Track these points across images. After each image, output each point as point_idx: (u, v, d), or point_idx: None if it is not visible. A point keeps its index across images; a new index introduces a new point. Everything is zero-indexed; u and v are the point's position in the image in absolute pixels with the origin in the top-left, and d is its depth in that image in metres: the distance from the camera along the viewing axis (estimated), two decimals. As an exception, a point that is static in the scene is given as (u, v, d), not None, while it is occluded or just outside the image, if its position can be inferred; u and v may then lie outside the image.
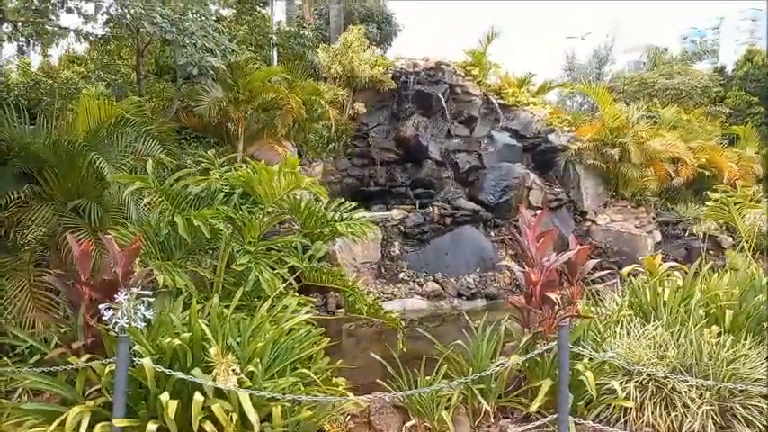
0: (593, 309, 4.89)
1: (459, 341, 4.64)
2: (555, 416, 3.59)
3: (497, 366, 3.91)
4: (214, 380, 3.24)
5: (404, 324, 7.39)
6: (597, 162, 12.34)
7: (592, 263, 4.41)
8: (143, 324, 3.37)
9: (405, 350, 5.52)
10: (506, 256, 10.45)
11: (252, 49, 12.02)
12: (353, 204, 6.23)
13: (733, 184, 13.46)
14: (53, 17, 7.86)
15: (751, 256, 5.95)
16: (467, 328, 5.46)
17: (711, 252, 13.46)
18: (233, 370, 3.17)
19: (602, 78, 23.96)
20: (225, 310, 4.01)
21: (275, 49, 12.57)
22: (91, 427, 3.19)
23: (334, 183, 11.72)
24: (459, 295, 9.22)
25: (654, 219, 12.90)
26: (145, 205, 4.91)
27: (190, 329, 3.70)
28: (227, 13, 12.64)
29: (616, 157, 12.07)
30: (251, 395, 3.28)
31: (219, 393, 3.34)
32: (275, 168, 5.30)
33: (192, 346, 3.56)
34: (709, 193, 6.92)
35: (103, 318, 3.32)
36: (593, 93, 13.27)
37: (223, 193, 5.24)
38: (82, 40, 9.34)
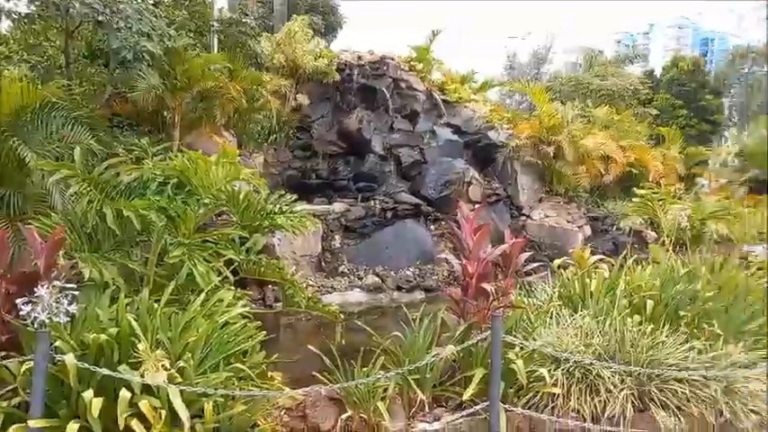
0: (525, 300, 5.06)
1: (396, 333, 4.69)
2: (487, 403, 3.70)
3: (433, 357, 3.98)
4: (142, 376, 3.14)
5: (343, 317, 7.44)
6: (533, 159, 12.78)
7: (525, 255, 4.57)
8: (66, 319, 3.21)
9: (343, 343, 5.54)
10: (446, 249, 10.65)
11: (191, 35, 11.62)
12: (294, 197, 6.18)
13: (658, 181, 14.28)
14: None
15: (672, 249, 6.33)
16: (405, 320, 5.59)
17: (637, 246, 14.17)
18: (162, 365, 3.08)
19: (540, 78, 24.75)
20: (156, 305, 3.88)
21: (216, 36, 12.21)
22: (4, 429, 3.02)
23: (276, 174, 11.55)
24: (399, 288, 9.31)
25: (585, 214, 13.49)
26: (72, 195, 4.66)
27: (117, 324, 3.56)
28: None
29: (551, 154, 12.53)
30: (181, 391, 3.19)
31: (148, 390, 3.23)
32: (213, 158, 5.18)
33: (120, 341, 3.43)
34: (635, 189, 7.28)
35: (21, 313, 3.14)
36: (531, 92, 13.70)
37: (156, 183, 5.07)
38: (3, 17, 8.75)
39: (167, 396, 3.16)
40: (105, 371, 3.15)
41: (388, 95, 12.46)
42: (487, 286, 3.96)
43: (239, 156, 10.80)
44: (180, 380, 3.32)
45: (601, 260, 5.59)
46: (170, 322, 3.71)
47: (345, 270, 9.54)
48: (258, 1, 20.36)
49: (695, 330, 4.41)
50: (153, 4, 11.18)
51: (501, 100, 23.88)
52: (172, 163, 5.05)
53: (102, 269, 4.27)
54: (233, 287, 4.90)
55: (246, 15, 12.19)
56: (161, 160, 5.52)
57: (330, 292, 8.95)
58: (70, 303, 3.23)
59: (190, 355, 3.49)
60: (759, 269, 5.45)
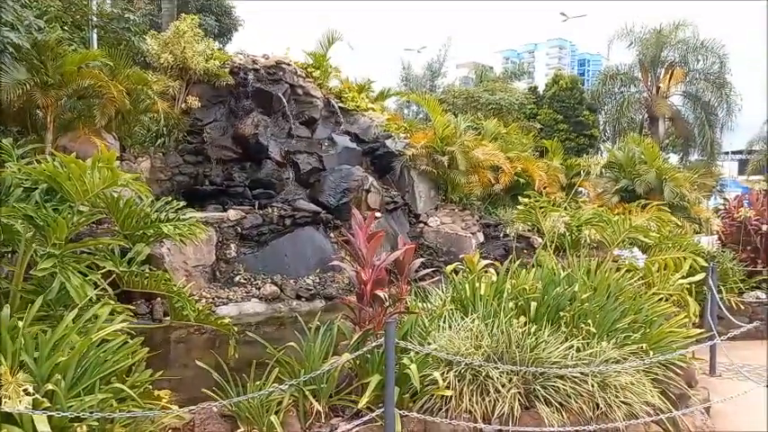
0: (420, 304, 5.16)
1: (292, 343, 4.58)
2: (382, 410, 3.70)
3: (329, 366, 3.92)
4: (0, 403, 2.79)
5: (239, 329, 7.17)
6: (429, 168, 13.18)
7: (418, 261, 4.66)
8: None
9: (237, 356, 5.34)
10: (346, 256, 10.63)
11: (66, 29, 10.73)
12: (181, 204, 5.85)
13: (542, 190, 15.27)
14: None
15: (554, 253, 6.76)
16: (303, 330, 5.48)
17: (526, 251, 15.09)
18: (25, 390, 2.75)
19: (434, 90, 25.67)
20: (19, 323, 3.48)
21: (95, 31, 11.37)
22: None
23: (165, 180, 10.94)
24: (299, 297, 9.15)
25: (478, 221, 14.11)
26: None
27: (-28, 347, 3.15)
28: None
29: (445, 163, 12.98)
30: (50, 417, 2.88)
31: (10, 418, 2.88)
32: (88, 162, 4.78)
33: (-26, 366, 3.03)
34: (520, 198, 7.70)
35: None
36: (426, 103, 14.14)
37: (21, 189, 4.59)
38: None
39: (32, 423, 2.84)
40: (-46, 401, 2.77)
41: (284, 101, 12.29)
42: (381, 293, 3.98)
43: (122, 160, 10.16)
44: (48, 404, 3.00)
45: (490, 264, 5.83)
46: (36, 342, 3.34)
47: (242, 280, 9.21)
48: (147, -2, 19.31)
49: (574, 329, 4.71)
50: None
51: (398, 110, 24.45)
52: (40, 167, 4.59)
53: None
54: (113, 301, 4.53)
55: (130, 11, 11.49)
56: (28, 163, 5.00)
57: (226, 303, 8.60)
58: None
59: (60, 376, 3.16)
60: (628, 271, 5.96)
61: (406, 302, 4.59)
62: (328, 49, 14.45)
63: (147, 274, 4.91)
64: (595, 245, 7.27)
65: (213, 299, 8.55)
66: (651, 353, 4.68)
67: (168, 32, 11.54)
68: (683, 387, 4.75)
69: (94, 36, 11.52)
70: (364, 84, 15.27)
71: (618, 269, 5.96)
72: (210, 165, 11.51)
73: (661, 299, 5.71)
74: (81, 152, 8.04)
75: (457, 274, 5.79)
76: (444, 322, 4.66)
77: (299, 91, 12.96)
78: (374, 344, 3.94)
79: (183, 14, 12.39)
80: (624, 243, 6.84)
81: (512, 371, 4.11)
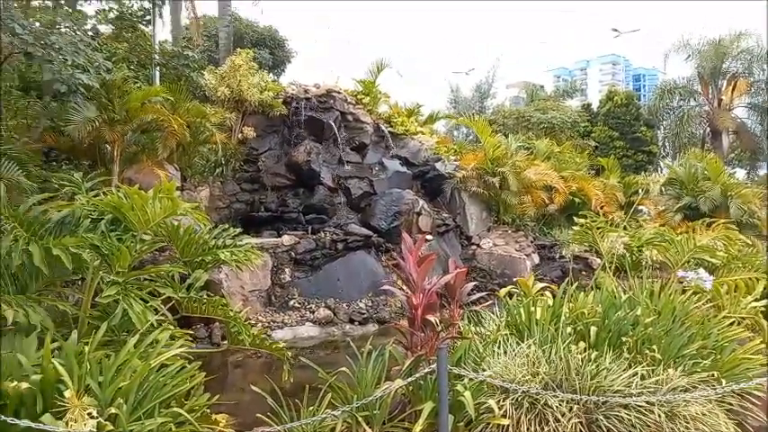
0: (473, 329, 5.06)
1: (344, 368, 4.58)
2: (436, 438, 3.63)
3: (381, 392, 3.89)
4: (67, 425, 2.91)
5: (294, 353, 7.23)
6: (480, 189, 13.05)
7: (470, 285, 4.58)
8: (-22, 368, 2.95)
9: (291, 381, 5.39)
10: (398, 280, 10.61)
11: (133, 68, 11.40)
12: (237, 230, 6.03)
13: (599, 210, 14.80)
14: None
15: (614, 275, 6.50)
16: (356, 354, 5.46)
17: (584, 273, 14.61)
18: (89, 414, 2.86)
19: (484, 111, 25.54)
20: (86, 348, 3.64)
21: (157, 68, 12.02)
22: None
23: (223, 208, 11.32)
24: (351, 321, 9.16)
25: (532, 242, 13.79)
26: (-7, 233, 4.37)
27: (42, 371, 3.31)
28: (105, 29, 11.90)
29: (497, 184, 12.82)
30: (112, 440, 2.98)
31: (76, 441, 3.00)
32: (150, 193, 5.00)
33: (44, 389, 3.19)
34: (575, 218, 7.49)
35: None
36: (475, 124, 14.07)
37: (89, 220, 4.85)
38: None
39: (96, 447, 2.94)
40: (27, 422, 2.91)
41: (335, 128, 12.53)
42: (432, 318, 3.93)
43: (182, 189, 10.59)
44: (111, 428, 3.11)
45: (546, 288, 5.67)
46: (101, 366, 3.48)
47: (296, 304, 9.33)
48: (204, 34, 20.31)
49: (637, 356, 4.50)
50: (92, 37, 10.94)
51: (448, 132, 24.44)
52: (106, 198, 4.84)
53: (30, 311, 4.00)
54: (173, 326, 4.68)
55: (189, 48, 12.09)
56: (95, 195, 5.29)
57: (281, 327, 8.71)
58: (-14, 351, 2.98)
59: (122, 400, 3.28)
60: (694, 293, 5.65)
61: (459, 327, 4.51)
62: (377, 76, 14.69)
63: (205, 300, 5.05)
64: (658, 266, 6.95)
65: (269, 323, 8.68)
66: (724, 381, 4.40)
67: (224, 67, 12.05)
68: (762, 419, 4.42)
69: (157, 73, 12.18)
70: (413, 108, 15.40)
71: (683, 291, 5.67)
72: (266, 192, 11.83)
73: (732, 323, 5.37)
74: (144, 183, 8.47)
75: (511, 298, 5.66)
76: (499, 348, 4.55)
77: (350, 117, 13.20)
78: (426, 370, 3.88)
79: (239, 49, 12.93)
80: (689, 264, 6.50)
81: (572, 399, 3.94)
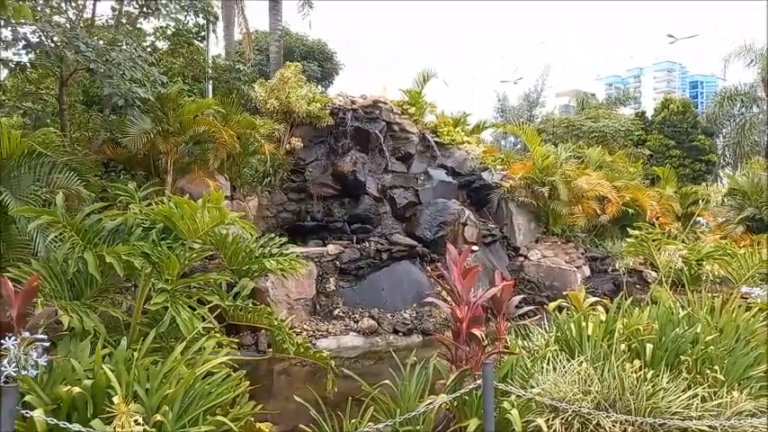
0: (520, 344, 4.90)
1: (387, 381, 4.51)
2: (481, 457, 3.51)
3: (424, 407, 3.80)
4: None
5: (338, 362, 7.22)
6: (528, 199, 12.76)
7: (518, 298, 4.43)
8: (35, 372, 3.05)
9: (335, 390, 5.38)
10: (442, 290, 10.47)
11: (188, 82, 11.80)
12: (283, 240, 6.10)
13: (654, 221, 14.23)
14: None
15: (670, 290, 6.19)
16: (400, 366, 5.37)
17: (638, 286, 14.05)
18: (135, 420, 2.91)
19: (532, 120, 25.08)
20: (135, 354, 3.73)
21: (210, 82, 12.39)
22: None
23: (270, 217, 11.51)
24: (396, 331, 9.10)
25: (583, 254, 13.37)
26: (54, 241, 4.56)
27: (93, 376, 3.40)
28: (162, 45, 12.37)
29: (546, 194, 12.52)
30: (158, 447, 3.02)
31: (123, 446, 3.05)
32: (199, 203, 5.11)
33: (95, 394, 3.27)
34: (629, 230, 7.21)
35: (-10, 366, 2.98)
36: (523, 133, 13.81)
37: (141, 229, 4.99)
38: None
39: (142, 453, 2.99)
40: (77, 426, 2.98)
41: (381, 138, 12.56)
42: (478, 331, 3.82)
43: (232, 199, 10.83)
44: (157, 435, 3.15)
45: (598, 302, 5.44)
46: (148, 373, 3.55)
47: (341, 313, 9.35)
48: (255, 49, 20.86)
49: (697, 376, 4.23)
50: (149, 53, 11.39)
51: (495, 142, 24.11)
52: (157, 208, 4.98)
53: (84, 317, 4.14)
54: (220, 334, 4.75)
55: (241, 62, 12.41)
56: (148, 205, 5.45)
57: (325, 336, 8.74)
58: (41, 355, 3.08)
59: (168, 408, 3.32)
60: (760, 311, 5.30)
61: (506, 342, 4.37)
62: (423, 86, 14.66)
63: (251, 309, 5.11)
64: (719, 280, 6.59)
65: (314, 332, 8.73)
66: (795, 407, 4.07)
67: (274, 80, 12.30)
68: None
69: (210, 87, 12.56)
70: (459, 117, 15.26)
71: (748, 308, 5.32)
72: (312, 201, 11.96)
73: (804, 343, 4.99)
74: (196, 193, 8.70)
75: (561, 312, 5.46)
76: (548, 364, 4.37)
77: (395, 128, 13.20)
78: (472, 386, 3.77)
79: (288, 62, 13.18)
80: (754, 279, 6.12)
81: (626, 420, 3.74)
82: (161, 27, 11.83)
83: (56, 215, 4.40)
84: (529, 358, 4.64)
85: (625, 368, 4.10)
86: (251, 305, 5.12)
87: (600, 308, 5.34)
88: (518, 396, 3.87)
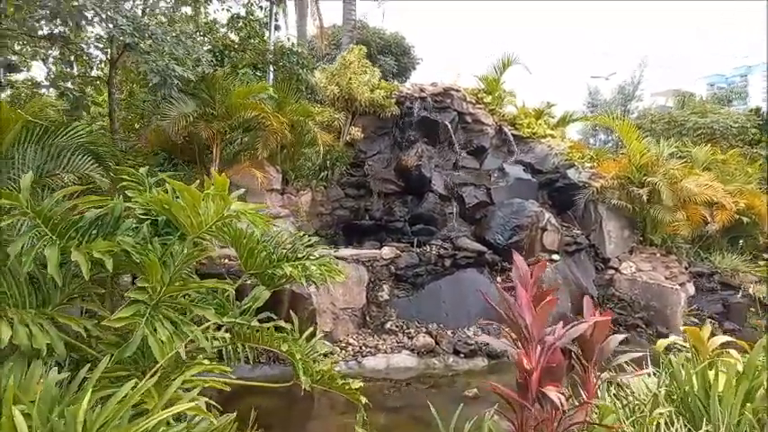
0: (617, 405, 3.49)
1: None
2: None
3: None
4: None
5: (386, 385, 6.07)
6: (622, 202, 10.94)
7: (617, 339, 3.04)
8: None
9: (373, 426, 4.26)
10: (507, 320, 9.02)
11: (258, 74, 11.10)
12: (314, 238, 5.01)
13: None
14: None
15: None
16: (459, 398, 4.17)
17: (752, 309, 11.86)
18: None
19: (628, 115, 22.65)
20: (72, 389, 2.75)
21: (272, 68, 11.62)
22: None
23: (325, 214, 10.55)
24: (456, 352, 7.79)
25: (686, 269, 11.39)
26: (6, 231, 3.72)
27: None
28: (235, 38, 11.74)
29: (644, 197, 10.65)
30: None
31: None
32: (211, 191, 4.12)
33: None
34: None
35: None
36: (618, 126, 11.97)
37: (134, 221, 4.07)
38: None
39: None
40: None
41: (451, 130, 11.27)
42: (554, 393, 2.51)
43: (284, 193, 9.95)
44: None
45: (730, 343, 3.92)
46: (76, 423, 2.54)
47: (393, 327, 8.17)
48: (332, 43, 20.19)
49: None
50: (224, 45, 10.78)
51: (583, 140, 21.99)
52: (154, 196, 4.03)
53: (36, 330, 3.23)
54: (209, 360, 3.72)
55: (301, 45, 11.54)
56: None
57: (373, 354, 7.60)
58: None
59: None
60: None
61: (594, 407, 3.02)
62: (503, 73, 13.15)
63: (259, 328, 4.05)
64: None
65: (360, 347, 7.62)
66: None
67: (335, 64, 11.34)
68: None
69: (271, 74, 11.80)
70: (542, 108, 13.58)
71: None
72: (371, 198, 10.87)
73: None
74: (243, 185, 7.83)
75: (669, 352, 4.01)
76: (659, 438, 2.99)
77: (468, 119, 11.86)
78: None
79: (351, 45, 12.19)
80: None
81: None
82: (233, 16, 11.15)
83: (18, 200, 3.54)
84: (628, 420, 3.26)
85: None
86: (257, 324, 4.04)
87: (733, 352, 3.83)
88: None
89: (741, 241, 13.65)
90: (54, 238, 3.57)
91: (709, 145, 15.37)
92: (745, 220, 12.63)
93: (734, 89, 41.74)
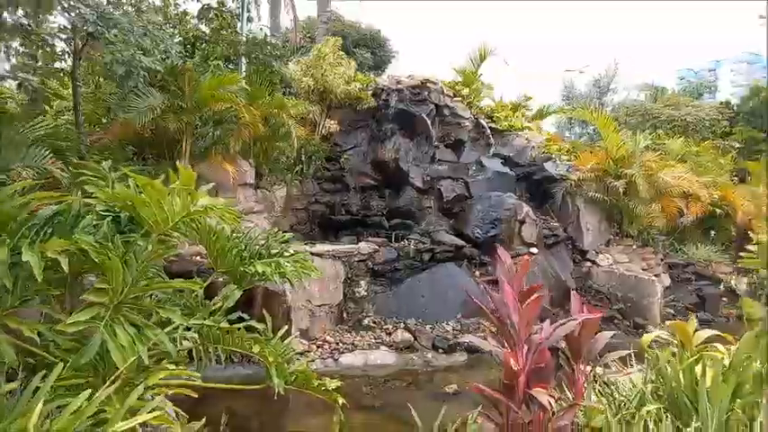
0: (596, 395, 3.39)
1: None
2: None
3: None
4: None
5: (363, 382, 5.89)
6: (599, 195, 10.95)
7: (606, 335, 2.92)
8: None
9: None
10: (488, 322, 8.94)
11: (231, 66, 10.78)
12: (287, 235, 4.81)
13: (746, 224, 12.14)
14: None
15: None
16: (439, 394, 4.04)
17: (725, 299, 12.01)
18: None
19: (603, 108, 22.83)
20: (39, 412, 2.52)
21: (243, 60, 11.31)
22: None
23: (300, 209, 10.32)
24: (435, 347, 7.66)
25: (662, 260, 11.48)
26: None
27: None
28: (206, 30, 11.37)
29: (621, 189, 10.67)
30: None
31: None
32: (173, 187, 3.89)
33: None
34: (751, 236, 5.47)
35: None
36: (595, 119, 11.97)
37: (94, 217, 3.81)
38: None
39: None
40: None
41: (429, 123, 11.11)
42: (544, 396, 2.37)
43: (257, 188, 9.68)
44: None
45: (715, 336, 3.84)
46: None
47: (371, 323, 8.01)
48: (308, 37, 19.83)
49: None
50: (195, 37, 10.43)
51: (559, 133, 22.09)
52: (116, 191, 3.78)
53: (-17, 337, 2.98)
54: (177, 363, 3.50)
55: (275, 36, 11.25)
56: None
57: (351, 350, 7.42)
58: None
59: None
60: None
61: (581, 409, 2.89)
62: (479, 66, 13.05)
63: (229, 329, 3.84)
64: None
65: (337, 344, 7.43)
66: None
67: (310, 56, 11.08)
68: None
69: (243, 65, 11.48)
70: (520, 101, 13.52)
71: None
72: (348, 193, 10.68)
73: None
74: (215, 180, 7.55)
75: (650, 347, 3.92)
76: (647, 436, 2.88)
77: (446, 111, 11.71)
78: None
79: (326, 37, 11.94)
80: None
81: None
82: (205, 6, 10.78)
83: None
84: (614, 418, 3.15)
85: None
86: (225, 326, 3.83)
87: (719, 346, 3.75)
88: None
89: (713, 232, 13.85)
90: (2, 236, 3.31)
91: (683, 137, 15.56)
92: (717, 211, 12.83)
93: (703, 83, 42.47)
